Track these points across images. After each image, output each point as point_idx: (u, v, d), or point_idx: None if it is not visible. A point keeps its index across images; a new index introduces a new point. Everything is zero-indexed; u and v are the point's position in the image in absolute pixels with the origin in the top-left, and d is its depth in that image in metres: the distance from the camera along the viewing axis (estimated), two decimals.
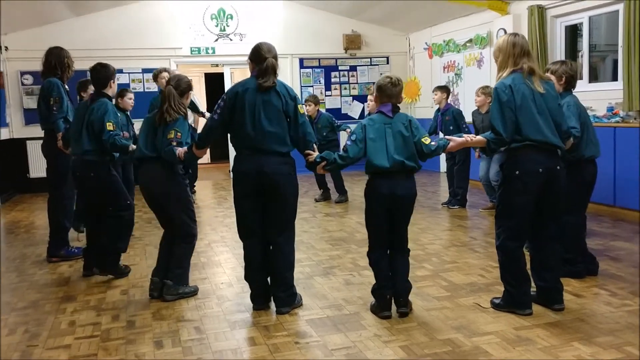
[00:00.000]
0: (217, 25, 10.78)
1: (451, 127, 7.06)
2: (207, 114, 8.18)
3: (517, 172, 3.52)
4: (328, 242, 5.74)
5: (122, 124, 5.02)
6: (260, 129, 3.64)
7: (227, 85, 10.94)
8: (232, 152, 9.05)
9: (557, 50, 8.06)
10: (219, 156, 13.44)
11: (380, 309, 3.66)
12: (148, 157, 4.06)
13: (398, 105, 3.71)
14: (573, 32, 8.11)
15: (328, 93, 11.38)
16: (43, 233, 6.42)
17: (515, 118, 3.47)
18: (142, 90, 10.22)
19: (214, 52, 10.78)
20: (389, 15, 10.73)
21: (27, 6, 8.59)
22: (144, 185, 4.15)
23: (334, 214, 7.23)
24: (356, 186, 8.61)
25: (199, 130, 4.90)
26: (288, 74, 10.99)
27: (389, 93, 3.66)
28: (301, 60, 11.29)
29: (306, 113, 7.19)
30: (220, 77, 11.42)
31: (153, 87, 10.18)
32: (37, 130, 9.48)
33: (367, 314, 3.72)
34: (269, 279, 3.87)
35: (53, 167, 5.32)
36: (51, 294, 4.37)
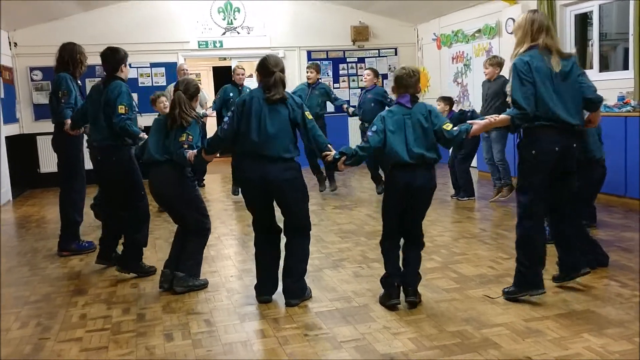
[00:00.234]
0: (224, 19, 10.76)
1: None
2: (210, 110, 8.19)
3: (533, 152, 3.55)
4: (337, 234, 5.74)
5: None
6: (265, 136, 3.67)
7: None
8: None
9: (567, 39, 7.97)
10: (229, 150, 13.44)
11: (388, 298, 3.68)
12: (158, 161, 4.09)
13: (417, 95, 3.70)
14: (583, 21, 8.02)
15: (336, 85, 11.33)
16: (54, 227, 6.47)
17: (535, 93, 3.47)
18: (150, 84, 10.25)
19: (221, 45, 10.77)
20: (396, 6, 10.66)
21: (36, 2, 8.62)
22: (155, 188, 4.17)
23: (343, 206, 7.22)
24: (365, 179, 8.59)
25: (209, 133, 4.91)
26: (296, 67, 10.96)
27: (405, 84, 3.65)
28: (309, 53, 11.26)
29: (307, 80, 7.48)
30: (228, 70, 11.39)
31: (161, 82, 10.24)
32: (47, 126, 9.54)
33: (376, 306, 3.72)
34: (279, 273, 3.92)
35: (63, 161, 5.36)
36: (62, 287, 4.41)
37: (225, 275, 4.53)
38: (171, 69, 10.09)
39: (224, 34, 10.78)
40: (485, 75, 7.00)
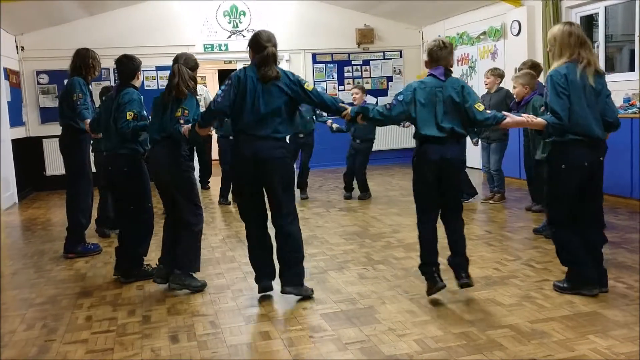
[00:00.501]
0: (229, 22, 10.78)
1: None
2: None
3: (563, 166, 3.59)
4: (342, 236, 5.74)
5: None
6: (258, 115, 3.69)
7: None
8: None
9: None
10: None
11: (433, 284, 3.70)
12: (156, 140, 4.10)
13: (450, 69, 3.69)
14: (589, 23, 8.01)
15: (341, 88, 11.35)
16: (60, 230, 6.49)
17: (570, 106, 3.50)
18: (156, 87, 10.31)
19: (227, 48, 10.80)
20: (401, 9, 10.66)
21: (43, 6, 8.66)
22: (152, 168, 4.19)
23: (347, 208, 7.22)
24: (369, 181, 8.56)
25: None
26: (301, 69, 10.98)
27: (437, 56, 3.65)
28: (314, 56, 11.27)
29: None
30: None
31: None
32: (53, 129, 9.66)
33: (381, 307, 3.72)
34: (275, 261, 3.96)
35: (70, 163, 5.38)
36: (68, 289, 4.42)
37: (230, 277, 4.53)
38: None
39: (229, 37, 10.80)
40: (486, 85, 7.07)
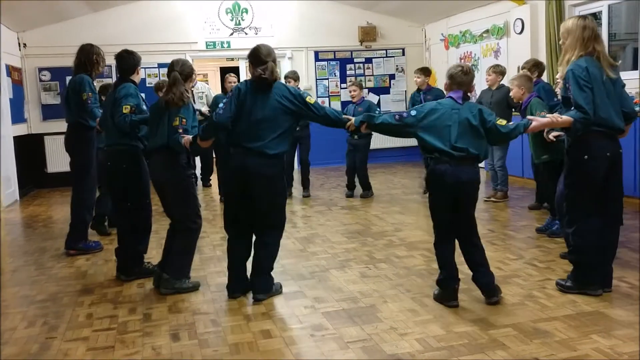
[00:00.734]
0: (232, 20, 10.77)
1: None
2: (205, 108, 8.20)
3: (585, 157, 3.57)
4: (344, 235, 5.72)
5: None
6: (251, 130, 3.70)
7: (243, 79, 10.96)
8: None
9: None
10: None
11: (447, 299, 3.67)
12: (155, 149, 4.08)
13: (469, 94, 3.69)
14: None
15: (344, 85, 11.31)
16: (61, 227, 6.50)
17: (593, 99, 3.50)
18: None
19: (229, 46, 10.79)
20: (404, 7, 10.64)
21: (45, 3, 8.66)
22: (151, 174, 4.18)
23: (349, 206, 7.21)
24: (372, 179, 8.55)
25: None
26: (303, 67, 10.96)
27: (459, 81, 3.64)
28: (316, 53, 11.25)
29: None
30: (235, 71, 11.41)
31: None
32: (55, 126, 9.70)
33: (383, 306, 3.70)
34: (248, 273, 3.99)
35: (76, 160, 5.37)
36: (69, 287, 4.42)
37: None
38: None
39: (231, 34, 10.79)
40: (487, 82, 7.10)
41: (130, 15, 10.24)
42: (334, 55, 11.36)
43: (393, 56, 11.64)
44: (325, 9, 11.09)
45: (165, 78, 6.68)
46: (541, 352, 2.96)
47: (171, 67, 4.11)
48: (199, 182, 9.28)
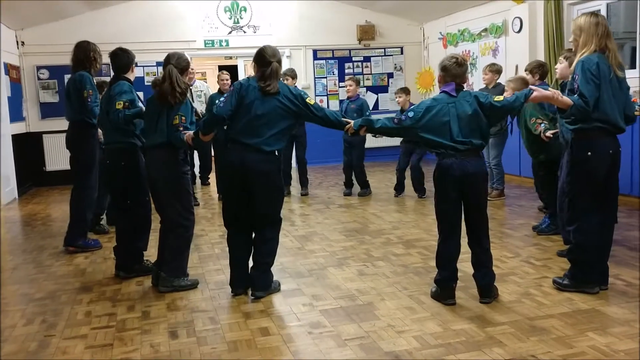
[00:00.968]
0: (230, 18, 10.76)
1: None
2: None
3: (589, 154, 3.59)
4: (342, 233, 5.74)
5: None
6: (251, 126, 3.71)
7: (241, 78, 10.97)
8: None
9: None
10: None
11: (444, 297, 3.67)
12: (152, 146, 4.09)
13: (462, 85, 3.68)
14: None
15: (342, 84, 11.31)
16: (59, 225, 6.51)
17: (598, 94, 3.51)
18: None
19: (227, 44, 10.78)
20: (402, 5, 10.64)
21: (44, 1, 8.65)
22: (148, 172, 4.19)
23: (347, 205, 7.22)
24: (370, 178, 8.57)
25: None
26: (302, 66, 10.96)
27: (454, 73, 3.62)
28: (315, 52, 11.25)
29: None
30: (234, 69, 11.44)
31: None
32: (54, 124, 9.70)
33: (380, 304, 3.72)
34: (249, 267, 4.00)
35: (79, 158, 5.37)
36: (68, 285, 4.43)
37: (229, 273, 4.52)
38: None
39: (230, 33, 10.78)
40: (484, 81, 7.13)
41: (128, 13, 10.24)
42: (333, 54, 11.37)
43: (391, 55, 11.65)
44: (323, 8, 11.08)
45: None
46: (538, 349, 2.97)
47: (167, 60, 4.10)
48: (198, 181, 9.29)
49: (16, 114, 9.25)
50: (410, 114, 3.63)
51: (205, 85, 8.86)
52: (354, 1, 11.03)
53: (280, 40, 10.72)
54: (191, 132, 3.96)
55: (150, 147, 4.14)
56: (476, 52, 9.95)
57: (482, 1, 9.43)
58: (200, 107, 7.97)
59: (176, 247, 4.13)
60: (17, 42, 9.75)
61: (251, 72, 3.98)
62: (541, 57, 7.89)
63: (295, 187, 8.32)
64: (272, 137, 3.75)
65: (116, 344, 3.28)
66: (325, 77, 11.37)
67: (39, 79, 10.00)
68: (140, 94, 5.02)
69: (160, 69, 10.40)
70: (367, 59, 11.54)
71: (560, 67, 5.06)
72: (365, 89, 11.48)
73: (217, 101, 3.89)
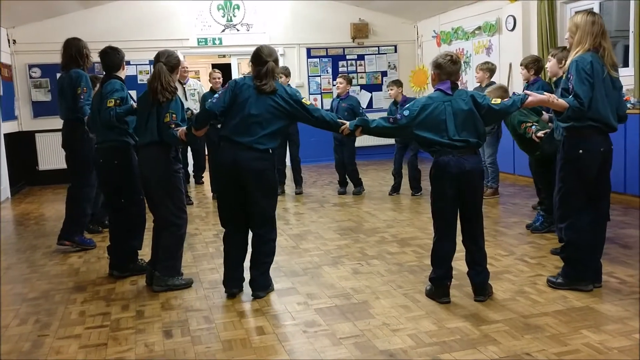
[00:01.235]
0: (223, 16, 10.74)
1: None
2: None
3: (580, 152, 3.60)
4: (336, 231, 5.73)
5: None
6: (243, 125, 3.71)
7: (235, 76, 10.95)
8: None
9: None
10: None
11: (439, 296, 3.67)
12: (144, 144, 4.08)
13: (457, 83, 3.67)
14: None
15: (335, 82, 11.31)
16: (53, 224, 6.48)
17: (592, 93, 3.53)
18: None
19: (220, 42, 10.75)
20: (396, 4, 10.65)
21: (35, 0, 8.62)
22: (140, 171, 4.18)
23: (342, 203, 7.22)
24: (363, 177, 8.57)
25: None
26: (295, 64, 10.94)
27: (449, 70, 3.61)
28: (308, 50, 11.24)
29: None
30: (227, 67, 11.41)
31: None
32: (46, 123, 9.66)
33: (375, 302, 3.72)
34: (246, 266, 3.99)
35: (76, 156, 5.34)
36: (61, 284, 4.41)
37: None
38: None
39: (223, 31, 10.75)
40: (476, 80, 7.13)
41: (121, 11, 10.19)
42: (326, 52, 11.36)
43: (385, 53, 11.65)
44: (317, 6, 11.07)
45: None
46: (532, 347, 2.98)
47: (157, 58, 4.09)
48: (192, 180, 9.27)
49: (8, 113, 9.20)
50: (406, 113, 3.62)
51: (198, 83, 8.84)
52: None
53: (274, 38, 10.70)
54: (184, 128, 3.95)
55: (141, 146, 4.12)
56: (470, 50, 9.96)
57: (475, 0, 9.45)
58: (193, 105, 7.95)
59: (169, 245, 4.12)
60: (9, 40, 9.69)
61: (244, 70, 3.99)
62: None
63: (289, 185, 8.32)
64: (265, 137, 3.74)
65: (110, 344, 3.27)
66: (319, 76, 11.36)
67: (31, 77, 9.94)
68: (133, 93, 4.99)
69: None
70: (361, 57, 11.54)
71: (550, 65, 5.09)
72: (359, 87, 11.49)
73: (209, 99, 3.88)
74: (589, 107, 3.52)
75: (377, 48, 11.59)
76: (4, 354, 3.21)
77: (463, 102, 3.56)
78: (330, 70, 11.38)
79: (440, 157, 3.57)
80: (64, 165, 5.61)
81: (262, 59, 3.76)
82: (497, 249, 4.82)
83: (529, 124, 4.87)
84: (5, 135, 8.77)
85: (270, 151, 3.82)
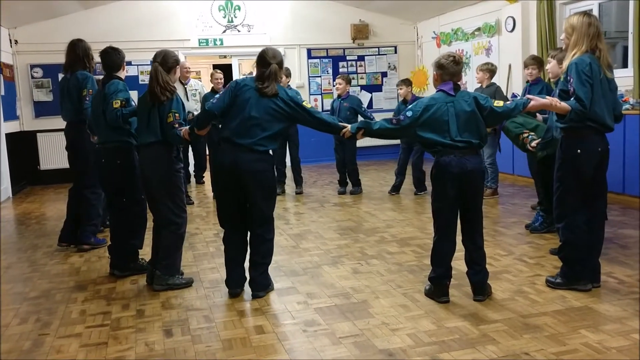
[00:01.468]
0: (224, 17, 10.76)
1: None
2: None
3: (578, 151, 3.62)
4: (336, 231, 5.75)
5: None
6: (243, 127, 3.72)
7: (235, 77, 10.97)
8: None
9: None
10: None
11: (438, 295, 3.69)
12: (145, 144, 4.09)
13: (458, 84, 3.68)
14: None
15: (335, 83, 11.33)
16: (54, 224, 6.50)
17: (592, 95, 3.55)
18: None
19: (222, 43, 10.77)
20: (396, 5, 10.66)
21: (37, 0, 8.61)
22: (141, 171, 4.19)
23: (342, 203, 7.23)
24: (363, 176, 8.60)
25: None
26: (296, 65, 10.96)
27: (452, 71, 3.63)
28: (309, 51, 11.26)
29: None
30: (228, 68, 11.42)
31: None
32: (48, 123, 9.68)
33: (374, 302, 3.73)
34: (246, 266, 4.01)
35: (82, 157, 5.34)
36: (62, 283, 4.42)
37: (225, 272, 4.51)
38: None
39: (224, 31, 10.78)
40: (477, 80, 7.13)
41: (122, 12, 10.22)
42: (327, 53, 11.38)
43: (385, 54, 11.67)
44: (317, 7, 11.10)
45: None
46: (531, 346, 2.99)
47: (154, 59, 4.11)
48: (192, 180, 9.29)
49: (10, 113, 9.23)
50: (409, 114, 3.63)
51: (200, 84, 8.86)
52: (348, 0, 11.05)
53: (275, 39, 10.73)
54: (187, 128, 3.98)
55: (142, 146, 4.14)
56: (469, 51, 9.98)
57: (475, 0, 9.47)
58: (195, 105, 7.97)
59: (169, 244, 4.13)
60: (11, 40, 9.71)
61: (245, 71, 4.01)
62: None
63: (289, 185, 8.33)
64: (265, 139, 3.75)
65: (111, 343, 3.28)
66: (320, 76, 11.38)
67: (32, 77, 9.96)
68: (134, 93, 5.01)
69: None
70: (361, 58, 11.56)
71: (550, 66, 5.11)
72: (359, 87, 11.50)
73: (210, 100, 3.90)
74: (589, 109, 3.54)
75: (377, 49, 11.61)
76: (5, 353, 3.23)
77: (466, 103, 3.57)
78: (330, 70, 11.40)
79: (441, 156, 3.58)
80: (65, 165, 5.63)
81: (265, 60, 3.78)
82: (496, 249, 4.83)
83: (525, 135, 4.88)
84: (7, 135, 8.80)
85: (270, 152, 3.84)
